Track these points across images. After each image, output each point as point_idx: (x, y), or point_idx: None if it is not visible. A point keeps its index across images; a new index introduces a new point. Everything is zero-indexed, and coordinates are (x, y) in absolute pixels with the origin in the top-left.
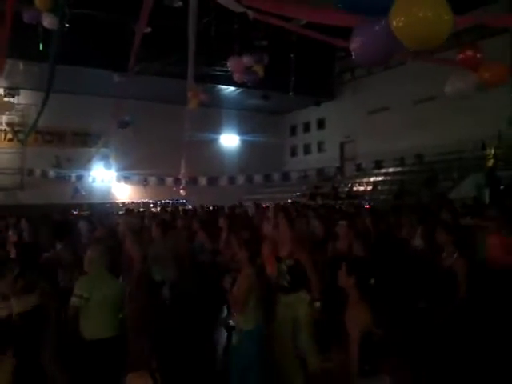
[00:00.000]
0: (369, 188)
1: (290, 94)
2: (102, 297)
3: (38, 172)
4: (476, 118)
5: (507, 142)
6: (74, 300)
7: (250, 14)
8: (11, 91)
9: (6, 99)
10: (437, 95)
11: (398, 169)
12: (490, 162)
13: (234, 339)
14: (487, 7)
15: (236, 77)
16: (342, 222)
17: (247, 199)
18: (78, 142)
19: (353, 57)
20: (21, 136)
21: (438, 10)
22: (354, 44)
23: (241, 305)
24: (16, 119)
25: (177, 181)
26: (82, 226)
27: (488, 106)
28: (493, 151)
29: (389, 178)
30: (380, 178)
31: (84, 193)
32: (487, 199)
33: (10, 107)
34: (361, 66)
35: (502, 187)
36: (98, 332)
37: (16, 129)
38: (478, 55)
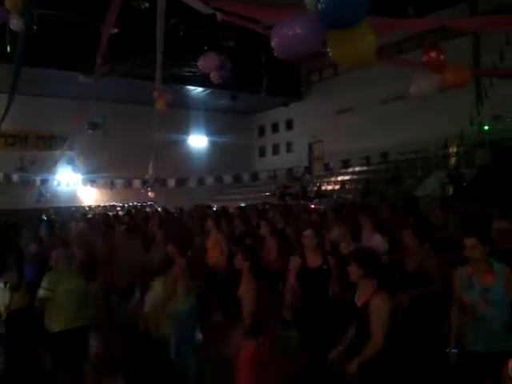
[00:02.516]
0: (337, 187)
1: (262, 94)
2: (68, 290)
3: (1, 176)
4: (439, 117)
5: (469, 140)
6: (41, 292)
7: (219, 15)
8: None
9: None
10: (402, 95)
11: (364, 168)
12: (453, 160)
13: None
14: (449, 10)
15: (213, 76)
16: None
17: (217, 200)
18: (43, 144)
19: (275, 53)
20: None
21: (362, 33)
22: (274, 42)
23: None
24: None
25: (144, 183)
26: (42, 229)
27: (450, 106)
28: (455, 149)
29: (355, 176)
30: (347, 177)
31: (49, 197)
32: (451, 196)
33: None
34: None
35: (464, 184)
36: (65, 323)
37: None
38: (442, 57)
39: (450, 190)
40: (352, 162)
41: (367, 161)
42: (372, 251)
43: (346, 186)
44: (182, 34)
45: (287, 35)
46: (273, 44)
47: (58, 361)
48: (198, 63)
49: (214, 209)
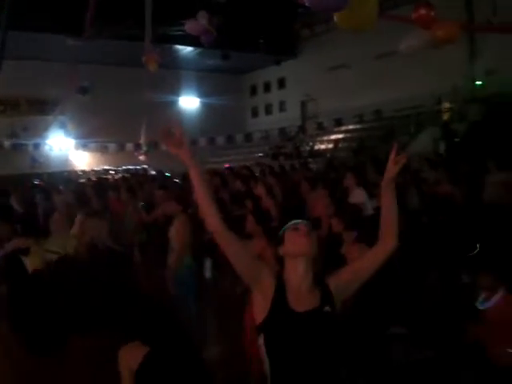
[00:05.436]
0: (330, 146)
1: (260, 52)
2: None
3: None
4: (432, 72)
5: (462, 95)
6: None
7: None
8: None
9: None
10: (395, 51)
11: (358, 126)
12: (446, 116)
13: None
14: None
15: (202, 39)
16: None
17: (209, 162)
18: (34, 110)
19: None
20: None
21: None
22: None
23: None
24: None
25: (137, 146)
26: (38, 196)
27: (444, 61)
28: (448, 105)
29: (349, 135)
30: (340, 136)
31: (43, 161)
32: (443, 152)
33: None
34: (320, 21)
35: (456, 140)
36: None
37: None
38: (432, 13)
39: (443, 146)
40: (345, 121)
41: (360, 118)
42: (353, 206)
43: (340, 145)
44: None
45: None
46: None
47: None
48: (185, 27)
49: None
